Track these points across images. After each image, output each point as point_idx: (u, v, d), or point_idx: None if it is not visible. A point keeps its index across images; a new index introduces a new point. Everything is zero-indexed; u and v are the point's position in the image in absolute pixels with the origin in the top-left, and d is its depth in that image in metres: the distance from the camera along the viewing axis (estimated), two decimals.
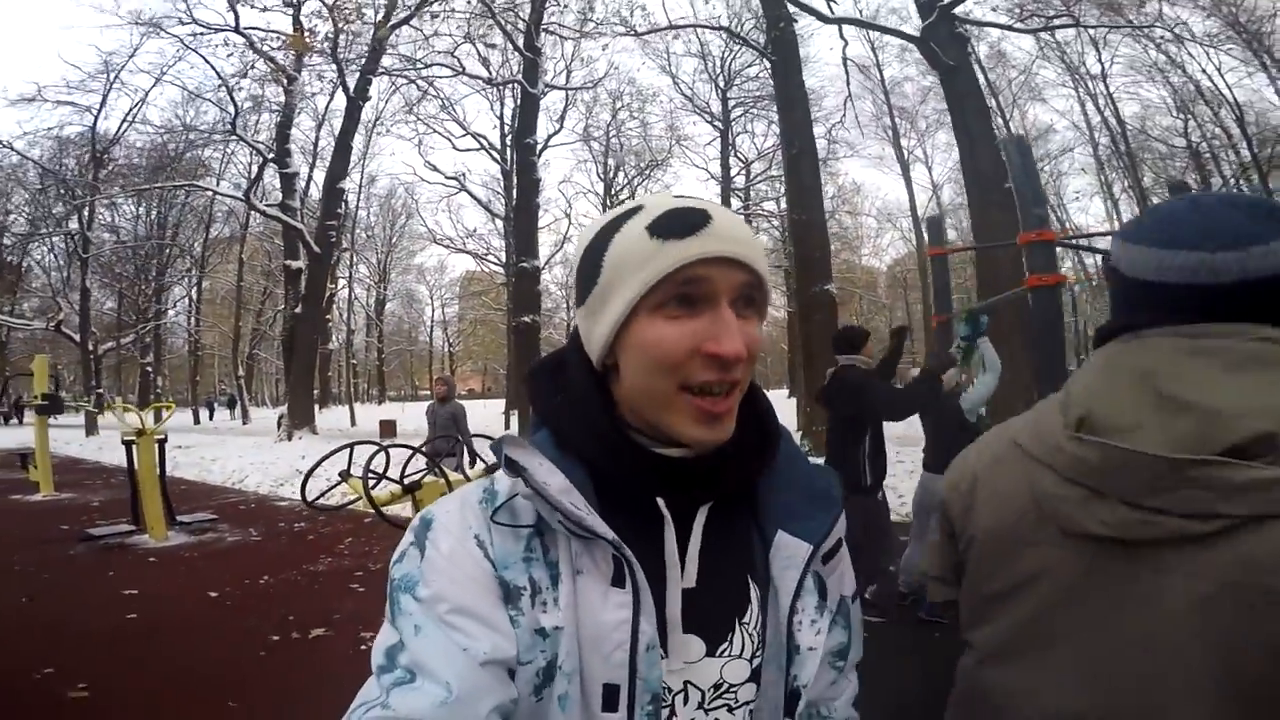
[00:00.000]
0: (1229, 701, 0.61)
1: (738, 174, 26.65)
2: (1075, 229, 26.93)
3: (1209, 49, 17.34)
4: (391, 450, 4.54)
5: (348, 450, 4.55)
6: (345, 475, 4.52)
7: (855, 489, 3.23)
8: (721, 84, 24.80)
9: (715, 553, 0.61)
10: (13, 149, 22.44)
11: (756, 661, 0.61)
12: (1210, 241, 0.66)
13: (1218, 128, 19.81)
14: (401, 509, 4.64)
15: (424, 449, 4.81)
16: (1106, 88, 20.47)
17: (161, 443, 6.16)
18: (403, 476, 4.22)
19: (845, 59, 12.48)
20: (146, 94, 22.41)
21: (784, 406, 13.20)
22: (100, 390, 21.19)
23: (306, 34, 16.62)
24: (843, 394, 3.26)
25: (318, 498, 4.93)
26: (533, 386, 0.65)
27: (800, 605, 0.61)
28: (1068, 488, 0.68)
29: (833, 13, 10.78)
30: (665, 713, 0.58)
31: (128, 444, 6.04)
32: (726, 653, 0.60)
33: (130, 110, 22.99)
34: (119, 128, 23.31)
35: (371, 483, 4.10)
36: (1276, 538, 0.59)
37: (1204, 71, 18.83)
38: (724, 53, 23.60)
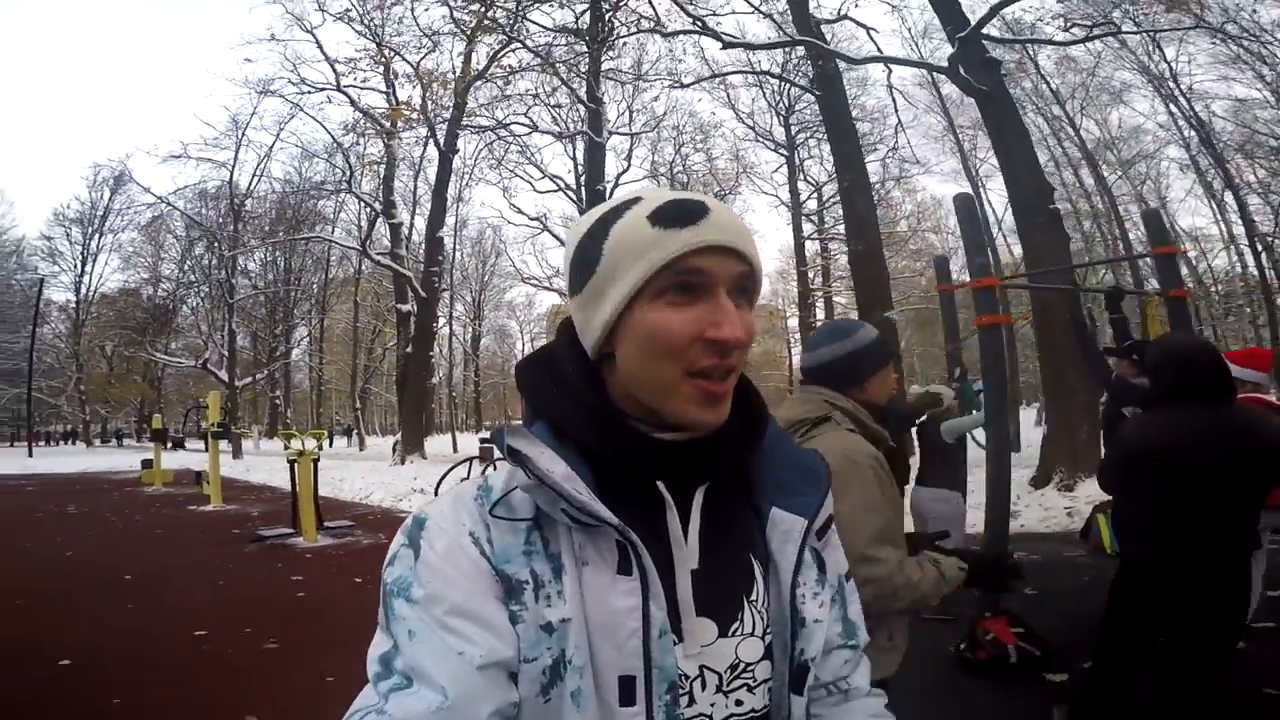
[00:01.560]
0: None
1: (808, 197, 26.89)
2: (1183, 232, 25.45)
3: None
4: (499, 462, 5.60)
5: (468, 463, 5.64)
6: (466, 480, 5.62)
7: None
8: (782, 111, 25.23)
9: (715, 533, 0.61)
10: (167, 202, 26.28)
11: (769, 638, 0.62)
12: (811, 348, 1.60)
13: None
14: None
15: None
16: (1177, 86, 19.42)
17: (315, 462, 7.58)
18: None
19: (890, 87, 12.81)
20: (270, 149, 25.74)
21: None
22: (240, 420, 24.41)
23: (403, 104, 18.71)
24: None
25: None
26: (523, 380, 0.65)
27: (802, 579, 0.62)
28: None
29: (880, 50, 11.29)
30: (684, 700, 0.57)
31: (291, 463, 7.48)
32: (739, 631, 0.60)
33: (258, 165, 26.50)
34: (250, 182, 26.82)
35: None
36: None
37: None
38: (780, 83, 24.08)
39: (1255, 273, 20.24)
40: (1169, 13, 13.68)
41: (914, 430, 4.46)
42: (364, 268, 31.18)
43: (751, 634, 0.61)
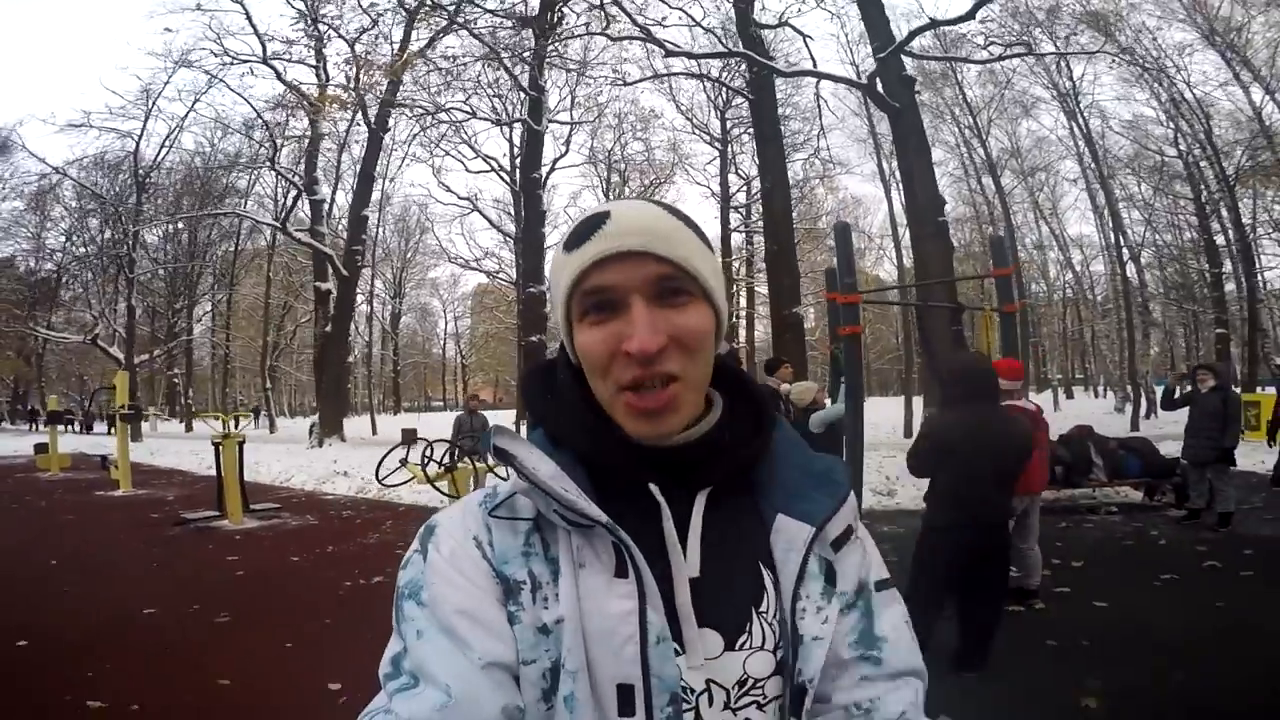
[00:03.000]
0: None
1: (737, 190, 27.84)
2: (1070, 240, 28.22)
3: (1185, 63, 18.51)
4: (435, 445, 5.90)
5: (405, 446, 5.91)
6: (404, 461, 5.89)
7: None
8: (720, 105, 25.95)
9: (719, 540, 0.59)
10: (62, 173, 24.33)
11: (780, 653, 0.58)
12: None
13: (1204, 138, 20.53)
14: (443, 485, 5.97)
15: (457, 443, 6.19)
16: (1077, 104, 21.46)
17: (241, 444, 7.58)
18: (443, 461, 5.59)
19: (818, 96, 13.69)
20: (183, 120, 24.15)
21: None
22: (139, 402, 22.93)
23: (334, 86, 18.15)
24: None
25: (386, 475, 6.26)
26: (526, 391, 0.66)
27: (804, 591, 0.58)
28: None
29: (813, 57, 12.06)
30: (690, 716, 0.55)
31: (216, 445, 7.46)
32: (747, 645, 0.57)
33: (168, 136, 24.82)
34: (157, 153, 25.08)
35: (419, 464, 5.46)
36: None
37: (1188, 83, 19.75)
38: (719, 73, 24.64)
39: (1123, 282, 22.54)
40: (1083, 33, 15.07)
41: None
42: (278, 242, 29.85)
43: (761, 648, 0.58)
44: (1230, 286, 23.00)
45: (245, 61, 18.62)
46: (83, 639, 3.90)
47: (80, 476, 12.78)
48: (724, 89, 23.70)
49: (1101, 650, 3.47)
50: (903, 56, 9.76)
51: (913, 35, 9.25)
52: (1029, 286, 28.91)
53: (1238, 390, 7.72)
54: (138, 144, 23.96)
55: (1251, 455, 6.18)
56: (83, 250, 28.08)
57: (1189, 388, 6.58)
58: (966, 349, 4.76)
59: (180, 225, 28.20)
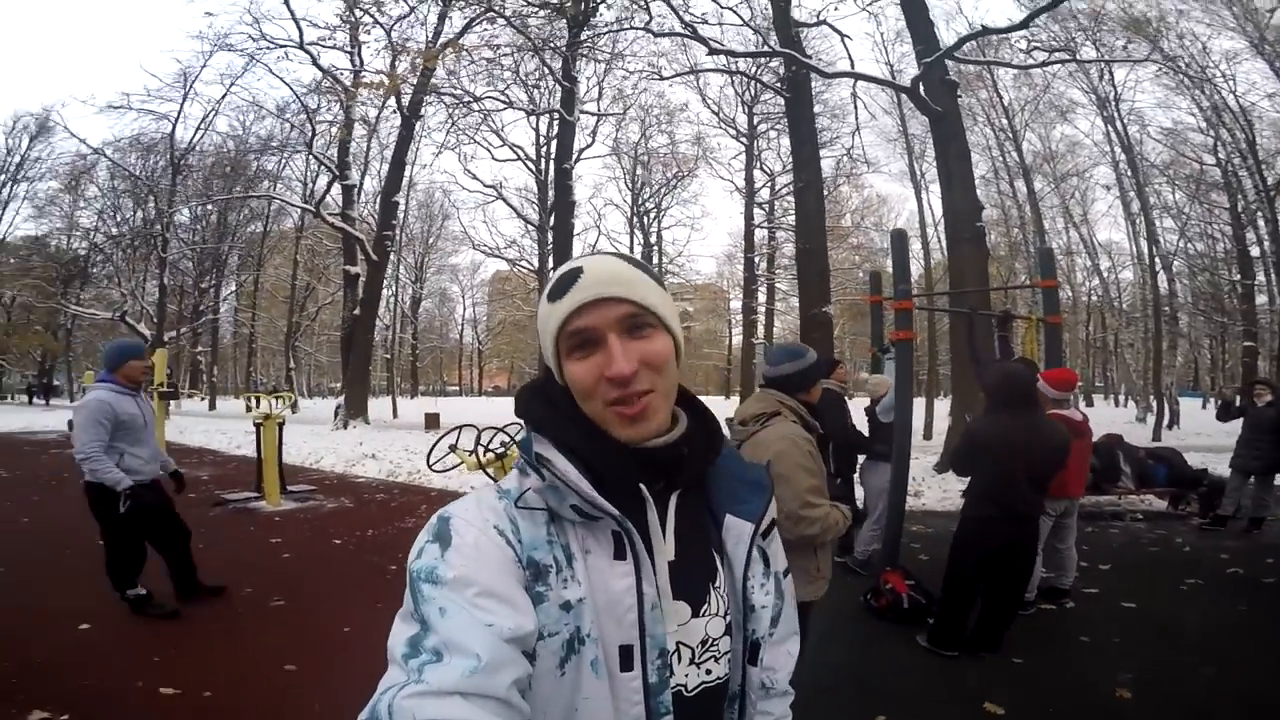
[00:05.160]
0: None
1: (762, 186, 27.72)
2: (1099, 246, 27.73)
3: (1232, 71, 18.08)
4: (484, 432, 5.94)
5: (457, 431, 5.96)
6: (453, 448, 5.94)
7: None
8: (747, 100, 25.79)
9: (685, 531, 0.74)
10: (103, 154, 24.85)
11: (729, 617, 0.75)
12: (774, 363, 2.34)
13: (1245, 146, 20.00)
14: (492, 470, 6.02)
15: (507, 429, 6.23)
16: (1117, 110, 21.04)
17: (281, 425, 7.70)
18: (490, 446, 5.63)
19: (855, 95, 13.62)
20: (219, 102, 24.29)
21: None
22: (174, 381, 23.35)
23: (371, 72, 18.22)
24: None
25: (436, 461, 6.31)
26: (528, 404, 0.76)
27: (751, 573, 0.76)
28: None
29: (850, 57, 11.94)
30: (668, 671, 0.69)
31: (258, 425, 7.58)
32: (707, 612, 0.73)
33: (204, 118, 25.14)
34: (193, 136, 25.40)
35: (469, 451, 5.51)
36: (747, 449, 2.20)
37: (1233, 92, 19.22)
38: (750, 68, 24.37)
39: (1152, 291, 22.13)
40: (1129, 41, 14.76)
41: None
42: (305, 225, 30.18)
43: (717, 614, 0.73)
44: (1262, 299, 22.60)
45: (282, 46, 18.73)
46: (145, 624, 3.96)
47: None
48: (753, 84, 23.60)
49: (1132, 647, 3.62)
50: (946, 61, 9.63)
51: (962, 41, 9.06)
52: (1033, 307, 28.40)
53: None
54: (174, 126, 24.32)
55: None
56: (115, 230, 28.49)
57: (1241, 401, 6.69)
58: (1014, 356, 4.84)
59: (211, 207, 28.57)
